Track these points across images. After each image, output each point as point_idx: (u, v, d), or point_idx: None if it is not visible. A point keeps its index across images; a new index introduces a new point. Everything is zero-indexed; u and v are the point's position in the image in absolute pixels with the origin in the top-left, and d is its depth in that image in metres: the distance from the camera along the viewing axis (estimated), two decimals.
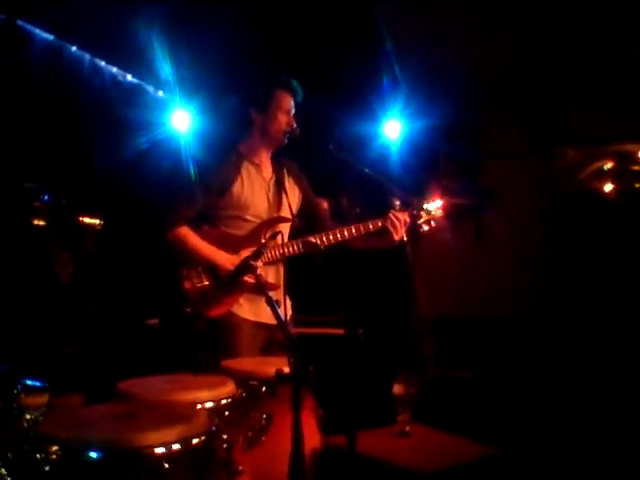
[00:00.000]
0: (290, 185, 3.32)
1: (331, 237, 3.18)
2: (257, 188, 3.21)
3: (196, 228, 3.15)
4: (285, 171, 3.33)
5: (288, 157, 3.40)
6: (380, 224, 3.24)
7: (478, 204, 5.40)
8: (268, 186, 3.26)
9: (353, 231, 3.22)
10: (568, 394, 4.15)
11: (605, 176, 6.69)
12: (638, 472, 3.34)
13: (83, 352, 3.81)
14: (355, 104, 5.03)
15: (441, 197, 3.46)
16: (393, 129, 5.29)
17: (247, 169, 3.22)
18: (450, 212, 3.46)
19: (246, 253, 3.01)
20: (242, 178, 3.18)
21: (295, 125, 3.20)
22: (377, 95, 5.11)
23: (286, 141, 3.22)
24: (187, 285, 3.08)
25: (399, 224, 3.23)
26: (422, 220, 3.35)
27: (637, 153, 6.45)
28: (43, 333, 3.49)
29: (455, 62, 5.21)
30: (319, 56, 5.01)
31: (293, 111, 3.22)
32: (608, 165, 6.63)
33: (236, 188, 3.15)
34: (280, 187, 3.27)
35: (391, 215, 3.23)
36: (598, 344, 4.70)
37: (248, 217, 3.17)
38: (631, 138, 6.13)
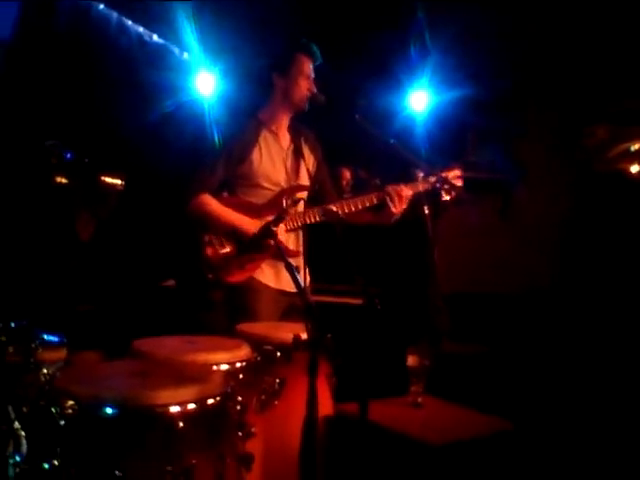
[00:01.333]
0: (307, 154, 3.33)
1: (345, 208, 3.17)
2: (275, 157, 3.22)
3: (216, 196, 3.16)
4: (303, 140, 3.33)
5: (308, 125, 3.39)
6: (377, 197, 3.21)
7: (508, 179, 5.34)
8: (286, 154, 3.26)
9: (352, 205, 3.19)
10: (582, 370, 4.14)
11: (632, 157, 6.59)
12: None
13: (101, 310, 3.84)
14: (381, 74, 4.96)
15: (463, 169, 3.42)
16: (420, 101, 5.21)
17: (265, 138, 3.22)
18: (472, 186, 3.43)
19: (267, 220, 3.03)
20: (260, 147, 3.19)
21: (315, 90, 3.18)
22: (404, 65, 5.04)
23: (307, 107, 3.21)
24: (209, 251, 3.10)
25: (397, 198, 3.18)
26: (442, 189, 3.32)
27: None
28: (62, 290, 3.53)
29: (487, 32, 5.10)
30: (346, 24, 4.95)
31: (313, 75, 3.21)
32: (636, 146, 6.53)
33: (255, 156, 3.16)
34: (298, 155, 3.28)
35: (389, 188, 3.20)
36: (614, 322, 4.67)
37: (267, 185, 3.17)
38: None
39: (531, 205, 5.38)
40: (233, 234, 3.10)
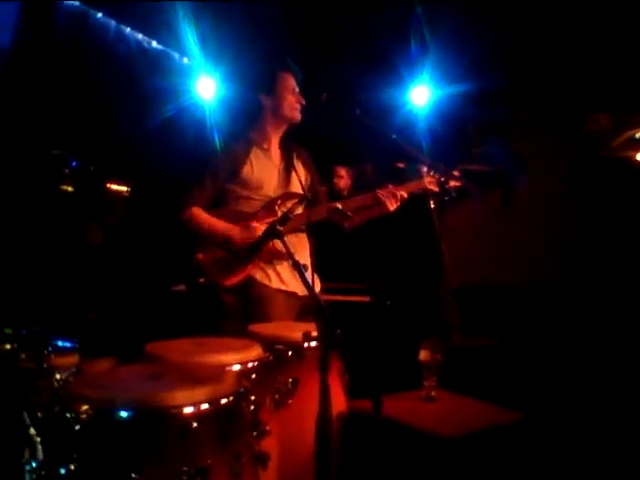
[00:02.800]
0: (300, 168, 3.34)
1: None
2: (267, 171, 3.25)
3: (207, 208, 3.19)
4: (295, 155, 3.36)
5: (309, 124, 3.41)
6: (371, 198, 3.26)
7: (508, 171, 5.33)
8: (278, 170, 3.29)
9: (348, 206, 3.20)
10: (592, 360, 4.13)
11: (636, 144, 6.57)
12: None
13: (111, 316, 3.85)
14: (382, 69, 4.96)
15: (468, 164, 3.43)
16: (421, 95, 5.21)
17: (256, 154, 3.26)
18: (477, 179, 3.43)
19: (260, 225, 3.05)
20: (251, 163, 3.22)
21: (304, 101, 3.24)
22: (405, 60, 5.04)
23: (300, 117, 3.24)
24: (200, 256, 3.13)
25: (388, 198, 3.24)
26: (449, 186, 3.32)
27: None
28: (72, 297, 3.54)
29: (486, 26, 5.10)
30: (347, 20, 4.95)
31: (297, 89, 3.26)
32: None
33: (245, 171, 3.19)
34: (290, 169, 3.30)
35: (378, 192, 3.26)
36: (622, 312, 4.66)
37: (258, 197, 3.20)
38: None
39: (534, 196, 5.37)
40: (224, 242, 3.11)
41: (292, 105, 3.22)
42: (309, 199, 3.27)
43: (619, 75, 5.66)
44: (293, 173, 3.27)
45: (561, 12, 5.10)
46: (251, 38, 4.67)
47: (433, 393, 2.87)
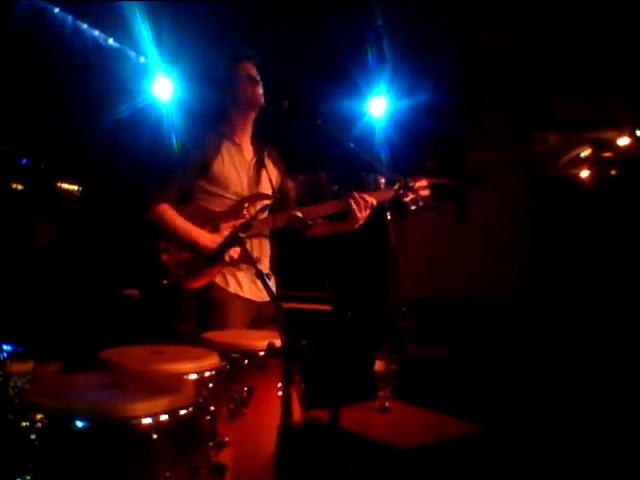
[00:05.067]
0: (270, 167, 3.30)
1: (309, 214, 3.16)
2: (238, 166, 3.19)
3: (175, 206, 3.10)
4: (266, 154, 3.31)
5: (271, 128, 3.38)
6: (343, 203, 3.20)
7: (461, 186, 5.41)
8: (249, 166, 3.23)
9: (318, 211, 3.19)
10: (547, 372, 4.22)
11: (582, 162, 6.77)
12: (620, 449, 3.41)
13: (59, 320, 3.76)
14: (340, 80, 4.98)
15: (424, 176, 3.45)
16: (378, 106, 5.25)
17: (228, 148, 3.19)
18: (433, 192, 3.46)
19: (226, 228, 3.01)
20: (223, 157, 3.15)
21: (261, 83, 3.17)
22: (363, 71, 5.07)
23: (262, 101, 3.17)
24: (165, 257, 3.04)
25: (363, 205, 3.18)
26: (408, 199, 3.34)
27: (615, 140, 6.53)
28: (19, 298, 3.44)
29: (442, 41, 5.18)
30: (305, 29, 4.95)
31: (254, 72, 3.19)
32: (586, 152, 6.70)
33: (216, 166, 3.12)
34: (261, 167, 3.25)
35: (356, 194, 3.19)
36: (578, 320, 4.78)
37: (228, 195, 3.13)
38: (611, 125, 6.19)
39: (489, 210, 5.47)
40: (191, 248, 3.05)
41: (248, 90, 3.15)
42: (278, 201, 3.22)
43: (569, 93, 5.82)
44: (263, 171, 3.22)
45: (515, 30, 5.23)
46: (210, 39, 4.63)
47: (387, 404, 2.88)
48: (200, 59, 4.31)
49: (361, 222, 3.22)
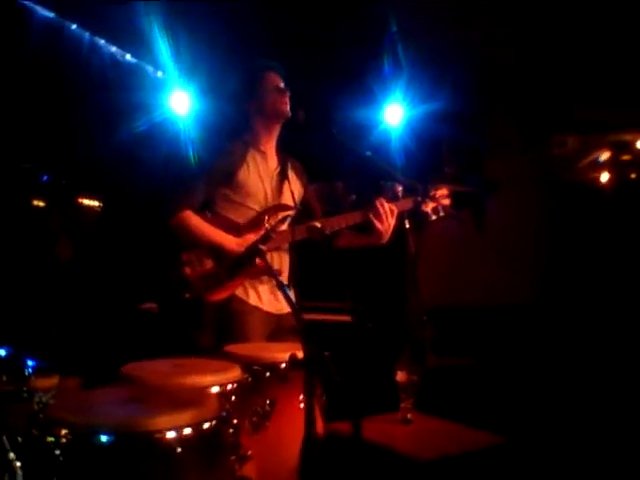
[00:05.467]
0: (293, 178, 3.30)
1: (329, 226, 3.15)
2: (262, 175, 3.19)
3: (199, 214, 3.12)
4: (289, 165, 3.32)
5: (287, 139, 3.39)
6: (363, 215, 3.18)
7: (480, 193, 5.39)
8: (273, 175, 3.24)
9: (339, 223, 3.17)
10: (568, 382, 4.17)
11: (602, 166, 6.71)
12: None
13: (81, 335, 3.78)
14: (356, 88, 4.98)
15: (444, 184, 3.42)
16: (394, 114, 5.25)
17: (253, 156, 3.20)
18: (453, 200, 3.43)
19: (250, 238, 3.00)
20: (248, 165, 3.16)
21: (289, 94, 3.18)
22: (378, 79, 5.07)
23: (288, 112, 3.18)
24: (187, 271, 3.04)
25: (384, 214, 3.15)
26: (429, 208, 3.32)
27: (635, 143, 6.47)
28: (42, 314, 3.46)
29: (459, 48, 5.17)
30: (321, 38, 4.97)
31: (282, 84, 3.21)
32: (605, 155, 6.65)
33: (242, 174, 3.13)
34: (284, 178, 3.25)
35: (376, 204, 3.17)
36: (597, 330, 4.73)
37: (251, 204, 3.14)
38: (631, 127, 6.14)
39: (508, 217, 5.44)
40: (215, 252, 3.06)
41: (276, 101, 3.17)
42: (301, 213, 3.21)
43: (587, 98, 5.79)
44: (286, 182, 3.23)
45: (532, 38, 5.21)
46: (226, 53, 4.66)
47: (409, 415, 2.86)
48: (221, 70, 4.35)
49: (387, 235, 3.18)
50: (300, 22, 4.84)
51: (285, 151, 3.35)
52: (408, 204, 3.30)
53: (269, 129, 3.25)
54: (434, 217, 3.32)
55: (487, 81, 5.45)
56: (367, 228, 3.20)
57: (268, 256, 3.04)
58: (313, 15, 4.76)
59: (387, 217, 3.16)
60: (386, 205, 3.18)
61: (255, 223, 3.11)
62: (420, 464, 2.45)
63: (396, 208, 3.21)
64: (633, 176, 6.73)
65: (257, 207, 3.15)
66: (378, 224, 3.15)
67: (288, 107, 3.18)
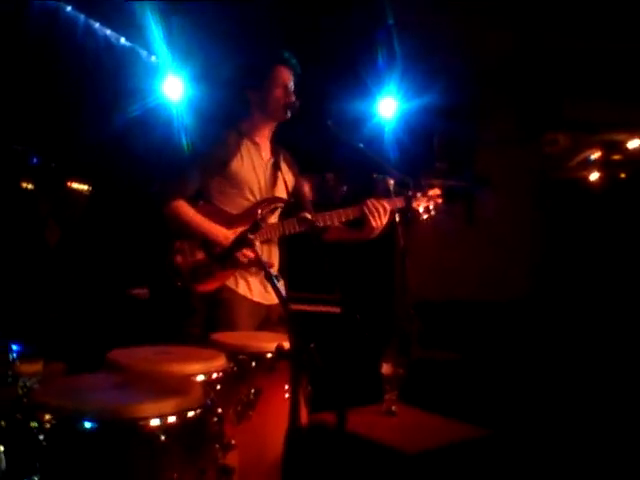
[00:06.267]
0: (285, 169, 3.29)
1: (322, 221, 3.15)
2: (256, 166, 3.18)
3: (192, 203, 3.11)
4: (282, 156, 3.31)
5: (281, 130, 3.37)
6: (358, 211, 3.16)
7: (471, 187, 5.40)
8: (266, 166, 3.23)
9: (332, 218, 3.16)
10: (556, 375, 4.20)
11: (592, 165, 6.75)
12: (627, 452, 3.40)
13: (67, 319, 3.76)
14: (350, 80, 4.97)
15: (436, 182, 3.43)
16: (388, 107, 5.25)
17: (247, 147, 3.19)
18: (444, 195, 3.43)
19: (241, 230, 3.00)
20: (242, 155, 3.15)
21: (294, 99, 3.15)
22: (373, 72, 5.06)
23: (288, 115, 3.17)
24: (179, 259, 3.05)
25: (377, 212, 3.14)
26: (420, 206, 3.31)
27: (626, 143, 6.51)
28: (28, 298, 3.45)
29: (453, 42, 5.17)
30: (314, 29, 4.95)
31: (291, 84, 3.17)
32: (596, 155, 6.68)
33: (235, 164, 3.12)
34: (277, 169, 3.25)
35: (369, 202, 3.15)
36: (585, 323, 4.76)
37: (244, 195, 3.14)
38: (622, 127, 6.17)
39: (499, 211, 5.46)
40: (206, 243, 3.06)
41: (279, 100, 3.12)
42: (293, 204, 3.21)
43: (580, 94, 5.80)
44: (279, 173, 3.22)
45: (526, 31, 5.21)
46: (221, 39, 4.64)
47: (394, 407, 2.88)
48: (217, 55, 4.32)
49: (378, 231, 3.18)
50: (295, 13, 4.82)
51: (278, 142, 3.34)
52: (401, 203, 3.30)
53: (266, 123, 3.24)
54: (425, 216, 3.32)
55: (480, 75, 5.45)
56: (359, 223, 3.20)
57: (258, 248, 3.04)
58: (308, 6, 4.73)
59: (381, 214, 3.15)
60: (382, 203, 3.18)
61: (248, 215, 3.10)
62: (404, 456, 2.46)
63: (389, 206, 3.21)
64: (623, 175, 6.77)
65: (251, 198, 3.15)
66: (373, 221, 3.14)
67: (289, 112, 3.15)
